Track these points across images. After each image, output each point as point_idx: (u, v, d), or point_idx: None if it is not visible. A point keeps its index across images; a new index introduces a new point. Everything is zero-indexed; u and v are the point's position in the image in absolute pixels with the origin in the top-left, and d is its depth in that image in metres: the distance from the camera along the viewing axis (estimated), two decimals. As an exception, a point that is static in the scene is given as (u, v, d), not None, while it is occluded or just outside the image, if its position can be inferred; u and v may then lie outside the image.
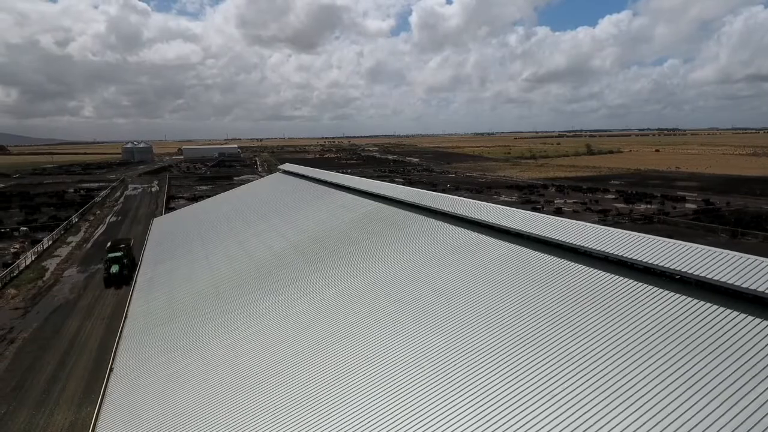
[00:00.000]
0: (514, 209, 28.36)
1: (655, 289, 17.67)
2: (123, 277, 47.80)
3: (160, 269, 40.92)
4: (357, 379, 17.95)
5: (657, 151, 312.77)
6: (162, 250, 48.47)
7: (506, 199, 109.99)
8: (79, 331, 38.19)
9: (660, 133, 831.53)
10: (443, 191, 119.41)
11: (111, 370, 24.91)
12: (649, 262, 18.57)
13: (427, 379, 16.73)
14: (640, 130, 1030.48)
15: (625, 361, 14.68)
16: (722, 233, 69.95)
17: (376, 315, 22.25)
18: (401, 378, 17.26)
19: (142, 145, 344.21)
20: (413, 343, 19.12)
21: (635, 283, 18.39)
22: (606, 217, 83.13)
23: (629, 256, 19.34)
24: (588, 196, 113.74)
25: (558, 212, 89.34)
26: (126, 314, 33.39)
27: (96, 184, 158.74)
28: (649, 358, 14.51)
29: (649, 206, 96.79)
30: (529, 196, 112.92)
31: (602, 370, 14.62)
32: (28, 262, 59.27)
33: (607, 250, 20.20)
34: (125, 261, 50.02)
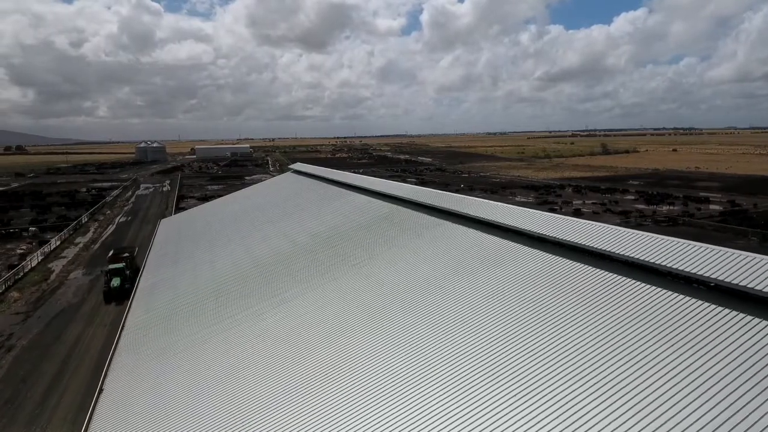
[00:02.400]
0: (550, 214, 26.00)
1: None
2: (125, 291, 43.00)
3: (162, 274, 39.01)
4: (370, 408, 15.80)
5: (674, 150, 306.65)
6: (167, 253, 46.61)
7: (522, 199, 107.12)
8: (79, 338, 36.50)
9: (676, 132, 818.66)
10: (457, 191, 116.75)
11: (101, 391, 22.92)
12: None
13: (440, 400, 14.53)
14: (655, 129, 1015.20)
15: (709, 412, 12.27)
16: (752, 237, 66.62)
17: (391, 331, 20.07)
18: (415, 399, 15.12)
19: (155, 145, 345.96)
20: (432, 363, 16.97)
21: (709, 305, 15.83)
22: (628, 219, 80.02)
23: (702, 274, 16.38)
24: (607, 196, 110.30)
25: (577, 213, 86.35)
26: (123, 325, 31.41)
27: (108, 184, 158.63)
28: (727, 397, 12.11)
29: (671, 207, 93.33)
30: (546, 197, 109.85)
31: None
32: (33, 264, 58.03)
33: (673, 266, 17.34)
34: (128, 273, 45.87)
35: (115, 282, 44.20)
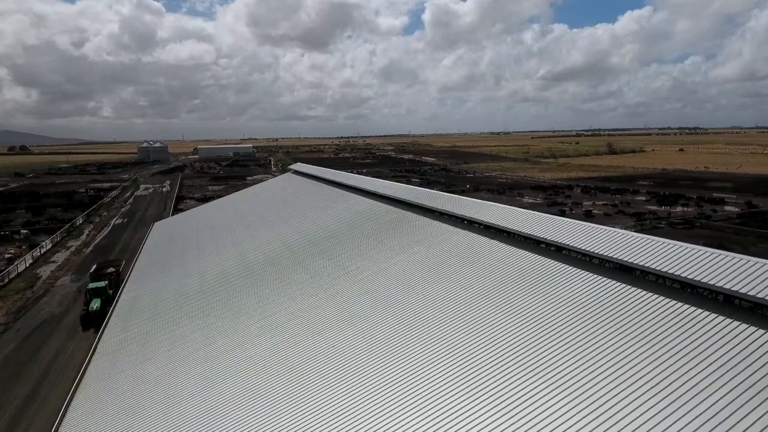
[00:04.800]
0: (558, 218, 23.05)
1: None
2: (106, 315, 35.99)
3: (147, 285, 35.89)
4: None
5: (681, 150, 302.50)
6: (155, 260, 43.53)
7: (530, 200, 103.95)
8: (58, 353, 33.65)
9: (681, 132, 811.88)
10: (462, 192, 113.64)
11: (55, 435, 19.93)
12: None
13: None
14: (660, 129, 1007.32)
15: None
16: (775, 240, 63.33)
17: (380, 340, 17.35)
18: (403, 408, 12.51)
19: (157, 145, 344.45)
20: (417, 367, 14.57)
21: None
22: (642, 221, 76.77)
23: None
24: (617, 197, 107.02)
25: (588, 215, 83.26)
26: (94, 348, 28.23)
27: (107, 184, 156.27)
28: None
29: (685, 209, 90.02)
30: (555, 198, 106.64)
31: None
32: (21, 269, 55.32)
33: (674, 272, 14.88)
34: (111, 292, 40.13)
35: (95, 304, 38.13)
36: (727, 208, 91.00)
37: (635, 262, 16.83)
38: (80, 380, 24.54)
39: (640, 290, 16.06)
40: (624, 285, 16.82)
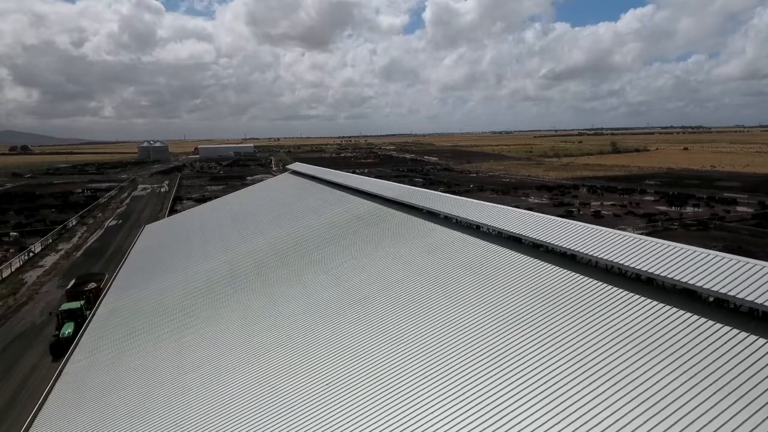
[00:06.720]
0: (567, 221, 20.58)
1: None
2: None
3: (127, 297, 33.06)
4: None
5: (685, 149, 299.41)
6: (140, 268, 40.77)
7: (536, 200, 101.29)
8: (33, 370, 31.16)
9: (684, 131, 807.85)
10: (466, 192, 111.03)
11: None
12: None
13: None
14: (663, 128, 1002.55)
15: None
16: (795, 243, 60.58)
17: (357, 348, 14.80)
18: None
19: (158, 144, 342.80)
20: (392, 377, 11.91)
21: None
22: (654, 223, 74.01)
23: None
24: (625, 197, 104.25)
25: (596, 216, 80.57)
26: (59, 373, 25.43)
27: (105, 184, 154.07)
28: None
29: (697, 209, 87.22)
30: (561, 198, 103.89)
31: None
32: (5, 275, 52.83)
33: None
34: (87, 313, 34.59)
35: (67, 329, 32.75)
36: (740, 208, 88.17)
37: (684, 280, 14.27)
38: (36, 414, 21.35)
39: (694, 315, 13.48)
40: (659, 303, 14.36)
